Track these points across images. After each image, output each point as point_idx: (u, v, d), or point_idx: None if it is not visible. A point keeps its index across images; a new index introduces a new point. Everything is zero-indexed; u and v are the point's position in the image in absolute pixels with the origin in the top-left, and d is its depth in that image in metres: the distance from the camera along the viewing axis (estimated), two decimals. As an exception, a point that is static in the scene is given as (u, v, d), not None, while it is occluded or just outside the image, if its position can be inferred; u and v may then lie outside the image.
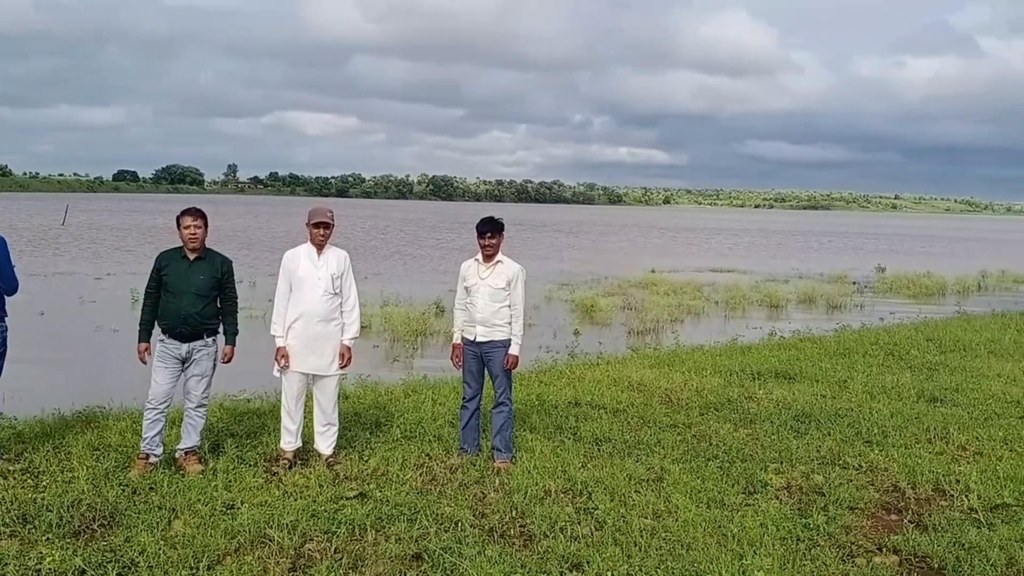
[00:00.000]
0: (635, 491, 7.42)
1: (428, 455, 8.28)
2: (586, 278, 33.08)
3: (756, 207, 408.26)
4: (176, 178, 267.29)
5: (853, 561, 6.19)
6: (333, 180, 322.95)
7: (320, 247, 8.02)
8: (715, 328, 20.81)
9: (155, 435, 7.74)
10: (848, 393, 11.40)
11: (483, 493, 7.31)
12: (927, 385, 11.95)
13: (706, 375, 12.43)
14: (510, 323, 8.12)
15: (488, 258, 8.15)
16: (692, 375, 12.40)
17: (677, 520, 6.78)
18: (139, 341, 7.72)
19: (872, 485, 7.79)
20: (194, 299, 7.69)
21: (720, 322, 22.90)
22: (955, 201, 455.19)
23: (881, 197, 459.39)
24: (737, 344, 15.91)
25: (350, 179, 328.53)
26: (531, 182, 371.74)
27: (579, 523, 6.67)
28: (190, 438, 7.91)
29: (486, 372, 8.27)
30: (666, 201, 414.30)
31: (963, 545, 6.43)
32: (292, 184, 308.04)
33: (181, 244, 7.82)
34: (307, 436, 8.37)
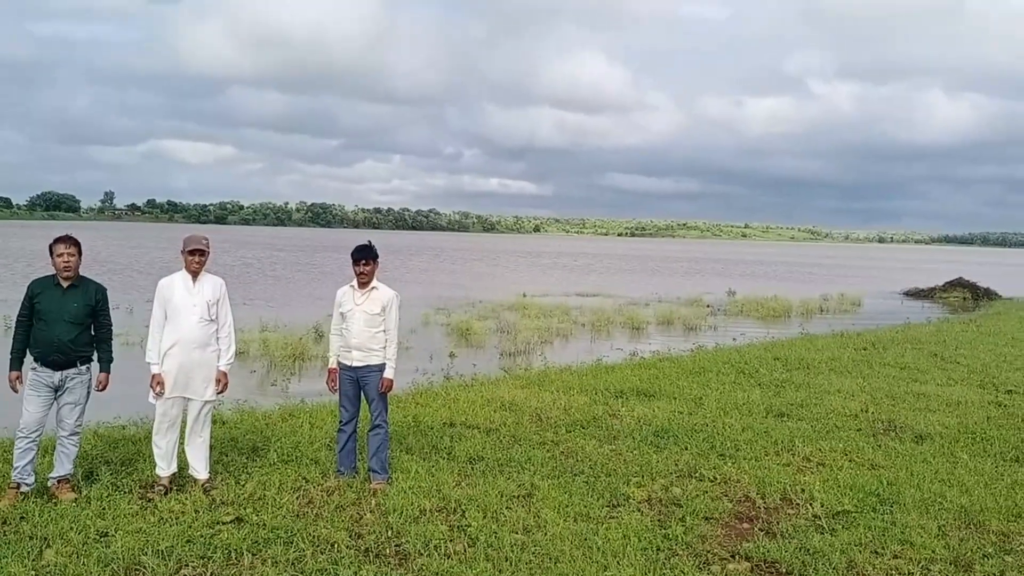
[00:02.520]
0: (506, 507, 7.42)
1: (305, 478, 8.10)
2: (461, 302, 33.11)
3: (619, 235, 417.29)
4: (52, 204, 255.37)
5: (709, 569, 6.33)
6: (211, 207, 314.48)
7: (195, 274, 7.78)
8: (582, 349, 21.10)
9: (26, 464, 7.35)
10: (703, 409, 11.70)
11: (359, 514, 7.19)
12: (775, 401, 12.38)
13: (573, 394, 12.57)
14: (385, 348, 8.04)
15: (363, 284, 8.06)
16: (560, 394, 12.52)
17: (546, 534, 6.81)
18: (10, 369, 7.34)
19: (726, 496, 8.00)
20: (67, 327, 7.36)
21: (586, 343, 23.24)
22: (799, 230, 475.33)
23: (731, 226, 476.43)
24: (602, 364, 16.16)
25: (228, 206, 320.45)
26: (408, 210, 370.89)
27: (453, 540, 6.63)
28: (63, 466, 7.54)
29: (362, 395, 8.16)
30: (536, 229, 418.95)
31: (808, 550, 6.66)
32: (170, 211, 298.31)
33: (55, 272, 7.49)
34: (183, 462, 8.07)
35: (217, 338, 7.81)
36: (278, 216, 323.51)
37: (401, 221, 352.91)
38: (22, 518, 6.84)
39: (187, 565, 6.04)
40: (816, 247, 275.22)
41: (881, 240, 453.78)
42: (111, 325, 7.72)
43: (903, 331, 23.61)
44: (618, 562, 6.28)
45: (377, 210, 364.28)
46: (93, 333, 7.56)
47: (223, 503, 7.36)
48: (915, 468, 8.95)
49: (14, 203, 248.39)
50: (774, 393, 13.11)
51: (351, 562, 6.15)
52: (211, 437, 8.08)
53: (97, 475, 7.96)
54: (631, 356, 18.00)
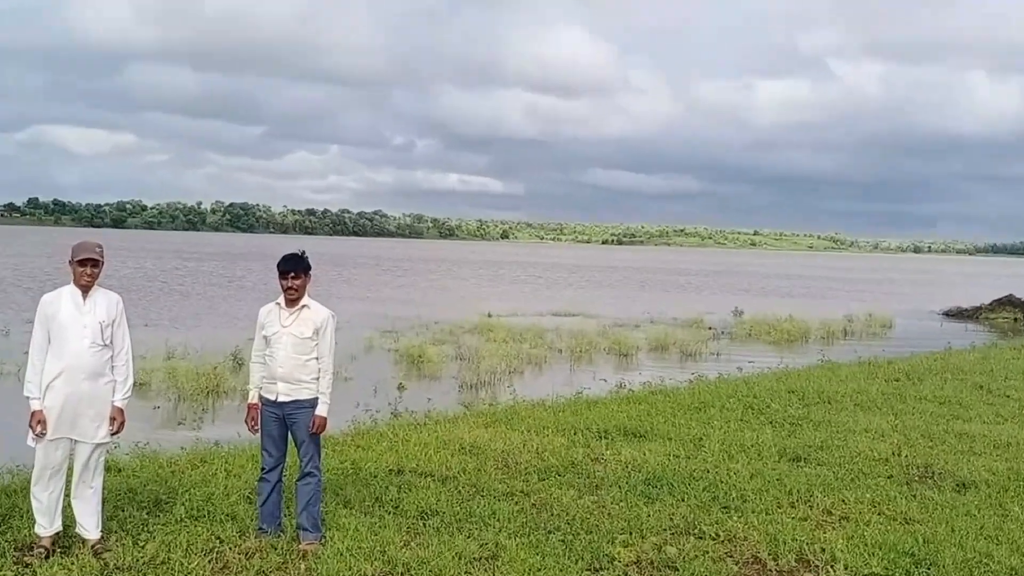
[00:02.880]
0: (465, 572, 7.39)
1: (219, 538, 8.02)
2: (412, 323, 33.07)
3: (603, 243, 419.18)
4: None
5: (710, 644, 6.34)
6: (107, 208, 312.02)
7: (86, 289, 7.69)
8: (558, 380, 21.11)
9: None
10: (704, 452, 11.75)
11: (286, 581, 7.13)
12: (789, 442, 12.45)
13: (547, 434, 12.57)
14: (317, 379, 8.00)
15: (292, 302, 8.01)
16: (532, 435, 12.51)
17: (514, 605, 6.79)
18: None
19: (730, 556, 8.03)
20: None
21: (564, 373, 23.24)
22: (818, 237, 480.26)
23: (738, 233, 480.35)
24: (582, 398, 16.19)
25: (128, 207, 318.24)
26: (349, 212, 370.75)
27: (400, 613, 6.60)
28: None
29: (290, 437, 8.11)
30: (504, 235, 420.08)
31: (828, 621, 6.69)
32: (57, 212, 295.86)
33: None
34: (69, 518, 7.96)
35: (112, 367, 7.71)
36: (189, 218, 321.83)
37: (340, 225, 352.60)
38: None
39: (72, 645, 5.96)
40: (839, 258, 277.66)
41: (916, 250, 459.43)
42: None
43: (942, 358, 23.86)
44: (601, 638, 6.27)
45: (310, 212, 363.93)
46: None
47: (118, 568, 7.27)
48: (957, 523, 9.03)
49: None
50: (788, 433, 13.19)
51: (275, 640, 6.10)
52: (104, 488, 7.98)
53: (-39, 535, 7.83)
54: (617, 388, 18.05)
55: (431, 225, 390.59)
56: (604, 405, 15.25)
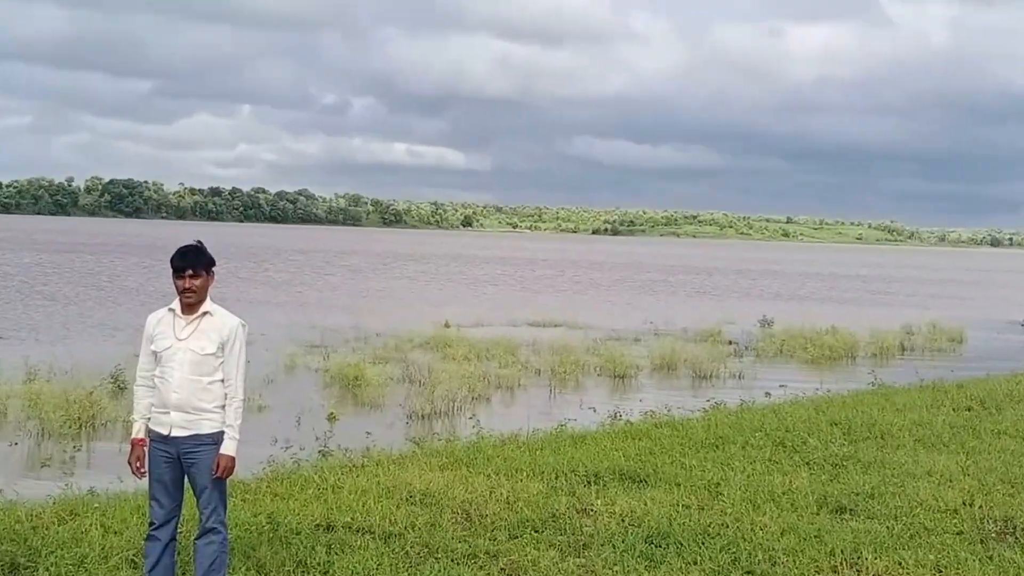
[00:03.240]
0: (415, 658, 7.37)
1: (95, 613, 7.97)
2: (347, 336, 33.07)
3: (594, 232, 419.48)
4: None
5: None
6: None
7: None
8: (535, 409, 21.15)
9: None
10: (722, 502, 11.75)
11: (181, 670, 7.10)
12: (831, 489, 12.48)
13: (522, 479, 12.55)
14: (223, 408, 7.96)
15: (190, 307, 7.96)
16: (501, 479, 12.49)
17: None
18: None
19: (756, 636, 8.04)
20: None
21: (543, 400, 23.26)
22: (869, 226, 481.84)
23: (767, 220, 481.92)
24: (566, 432, 16.16)
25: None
26: (265, 191, 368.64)
27: None
28: None
29: (187, 483, 8.06)
30: (467, 223, 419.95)
31: None
32: None
33: None
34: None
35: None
36: (57, 199, 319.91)
37: (253, 208, 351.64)
38: None
39: None
40: (895, 252, 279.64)
41: (994, 243, 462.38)
42: None
43: (1027, 381, 24.01)
44: None
45: (215, 191, 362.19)
46: None
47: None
48: (1045, 591, 9.08)
49: None
50: (830, 477, 13.22)
51: None
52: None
53: None
54: (611, 419, 18.04)
55: (372, 209, 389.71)
56: (594, 441, 15.23)
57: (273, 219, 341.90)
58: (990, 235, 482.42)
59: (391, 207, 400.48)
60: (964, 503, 11.97)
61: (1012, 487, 12.90)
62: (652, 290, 68.45)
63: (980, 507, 11.83)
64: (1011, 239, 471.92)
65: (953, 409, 19.15)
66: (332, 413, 19.81)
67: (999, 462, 14.34)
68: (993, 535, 10.85)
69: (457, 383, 22.82)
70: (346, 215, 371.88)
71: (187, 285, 7.90)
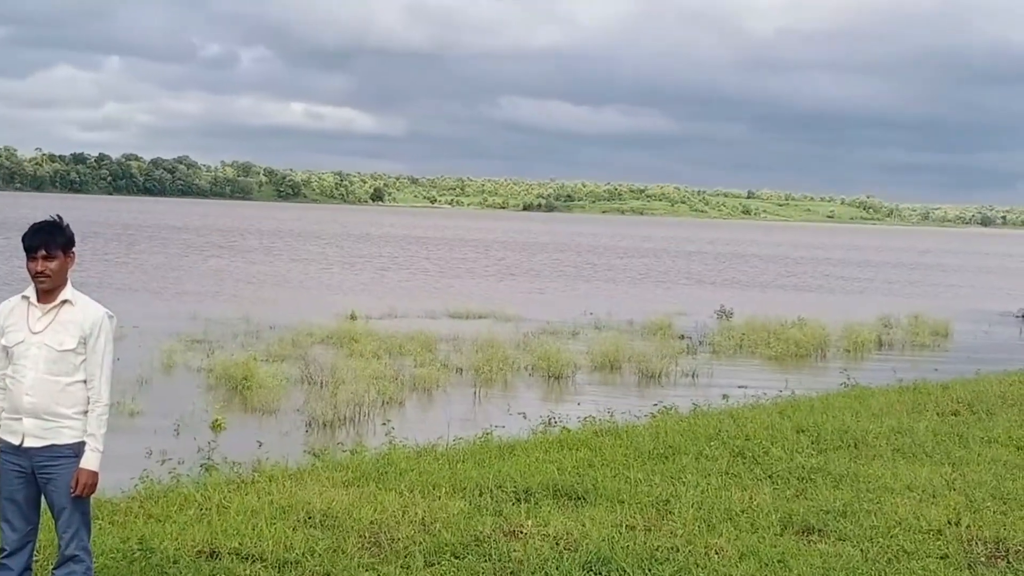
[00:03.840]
0: None
1: (-66, 657, 7.87)
2: (235, 329, 32.96)
3: (526, 208, 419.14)
4: None
5: None
6: None
7: None
8: (457, 414, 21.15)
9: None
10: (672, 522, 11.78)
11: None
12: (797, 506, 12.56)
13: (440, 496, 12.53)
14: (85, 413, 7.88)
15: (46, 295, 7.86)
16: (416, 497, 12.46)
17: None
18: None
19: (711, 678, 8.07)
20: None
21: (465, 404, 23.27)
22: (843, 202, 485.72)
23: (725, 195, 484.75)
24: (492, 441, 16.16)
25: None
26: (137, 159, 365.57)
27: None
28: None
29: (43, 501, 7.97)
30: (376, 196, 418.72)
31: None
32: None
33: None
34: None
35: None
36: None
37: (124, 178, 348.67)
38: None
39: None
40: (872, 232, 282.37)
41: (984, 222, 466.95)
42: None
43: (1022, 382, 24.29)
44: None
45: (78, 158, 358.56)
46: None
47: None
48: (1041, 624, 9.18)
49: None
50: (796, 492, 13.30)
51: None
52: None
53: None
54: (545, 426, 18.07)
55: (265, 180, 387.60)
56: (524, 452, 15.24)
57: (148, 191, 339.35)
58: (980, 213, 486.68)
59: (287, 178, 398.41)
60: (949, 522, 12.08)
61: (1004, 503, 13.03)
62: (592, 276, 68.62)
63: (968, 527, 11.95)
64: (1004, 218, 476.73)
65: (937, 414, 19.34)
66: (217, 420, 19.65)
67: (989, 475, 14.49)
68: (982, 559, 10.96)
69: (365, 384, 22.75)
70: (234, 187, 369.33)
71: (40, 268, 7.77)
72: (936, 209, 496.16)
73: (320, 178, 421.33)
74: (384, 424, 18.40)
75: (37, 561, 8.20)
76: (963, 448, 16.30)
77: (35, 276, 7.84)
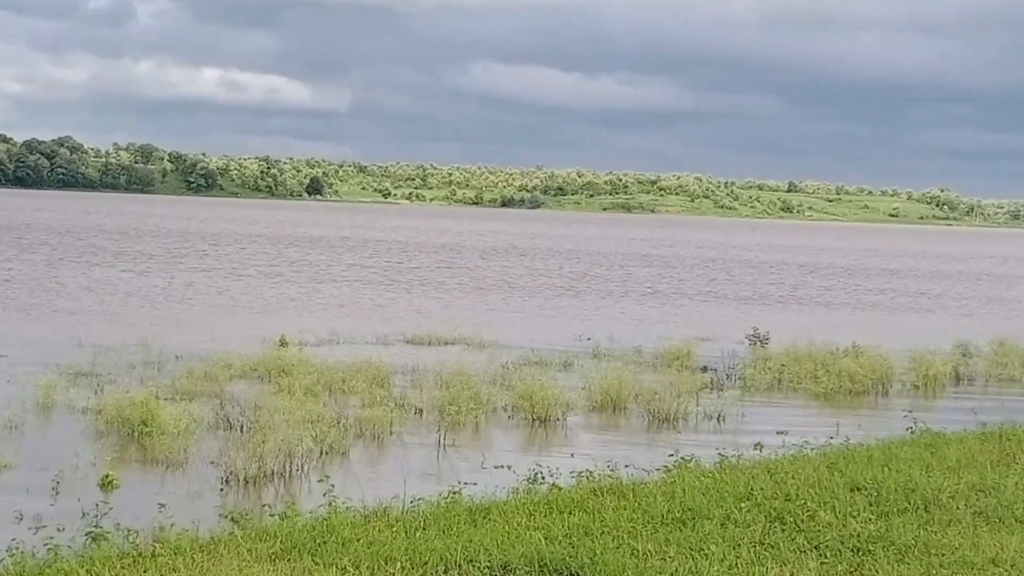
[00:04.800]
0: None
1: None
2: (131, 358, 32.84)
3: (503, 204, 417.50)
4: None
5: None
6: None
7: None
8: (416, 468, 21.18)
9: None
10: (693, 607, 11.78)
11: None
12: (852, 585, 12.55)
13: (395, 573, 12.51)
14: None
15: None
16: (364, 574, 12.44)
17: None
18: None
19: None
20: None
21: (427, 454, 23.22)
22: (909, 197, 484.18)
23: (760, 187, 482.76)
24: (461, 502, 16.13)
25: None
26: (7, 140, 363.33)
27: None
28: None
29: None
30: (314, 189, 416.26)
31: None
32: None
33: None
34: None
35: None
36: None
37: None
38: None
39: None
40: (946, 234, 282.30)
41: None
42: None
43: None
44: None
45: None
46: None
47: None
48: None
49: None
50: (850, 568, 13.26)
51: None
52: None
53: None
54: (529, 483, 18.01)
55: (171, 167, 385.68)
56: (503, 516, 15.22)
57: (20, 181, 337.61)
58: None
59: (199, 165, 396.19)
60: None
61: (1115, 582, 13.02)
62: (589, 291, 68.37)
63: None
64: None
65: (1032, 466, 19.32)
66: (108, 476, 19.56)
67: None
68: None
69: (298, 430, 22.63)
70: (131, 177, 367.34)
71: None
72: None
73: (241, 165, 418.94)
74: (322, 480, 18.39)
75: None
76: (1066, 512, 16.29)
77: None
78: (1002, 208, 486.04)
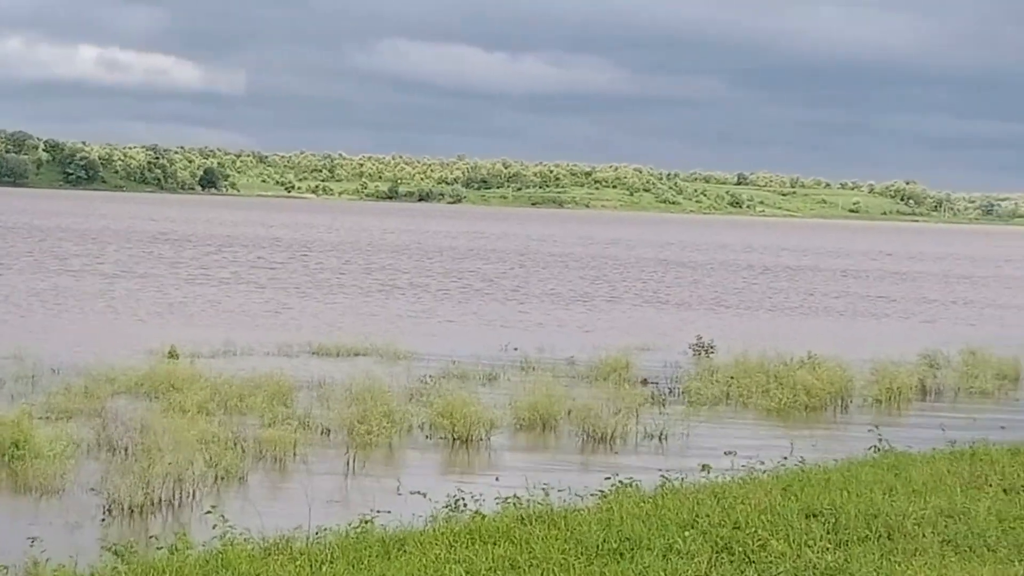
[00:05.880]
0: None
1: None
2: (2, 372, 32.70)
3: (423, 199, 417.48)
4: None
5: None
6: None
7: None
8: (322, 494, 21.10)
9: None
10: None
11: None
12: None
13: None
14: None
15: None
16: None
17: None
18: None
19: None
20: None
21: (335, 478, 23.22)
22: (872, 190, 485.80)
23: (706, 179, 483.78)
24: (373, 533, 16.10)
25: None
26: None
27: None
28: None
29: None
30: (207, 182, 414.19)
31: None
32: None
33: None
34: None
35: None
36: None
37: None
38: None
39: None
40: (911, 232, 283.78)
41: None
42: None
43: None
44: None
45: None
46: None
47: None
48: None
49: None
50: (806, 604, 13.32)
51: None
52: None
53: None
54: (449, 510, 18.02)
55: (46, 157, 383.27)
56: (420, 547, 15.22)
57: None
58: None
59: (79, 154, 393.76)
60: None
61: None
62: (515, 294, 68.46)
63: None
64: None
65: (1004, 490, 19.47)
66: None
67: (1078, 577, 14.54)
68: None
69: (189, 452, 22.57)
70: (1, 167, 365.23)
71: None
72: (1003, 200, 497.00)
73: (126, 155, 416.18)
74: (214, 509, 18.34)
75: None
76: (1041, 539, 16.37)
77: None
78: (973, 203, 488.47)
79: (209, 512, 18.18)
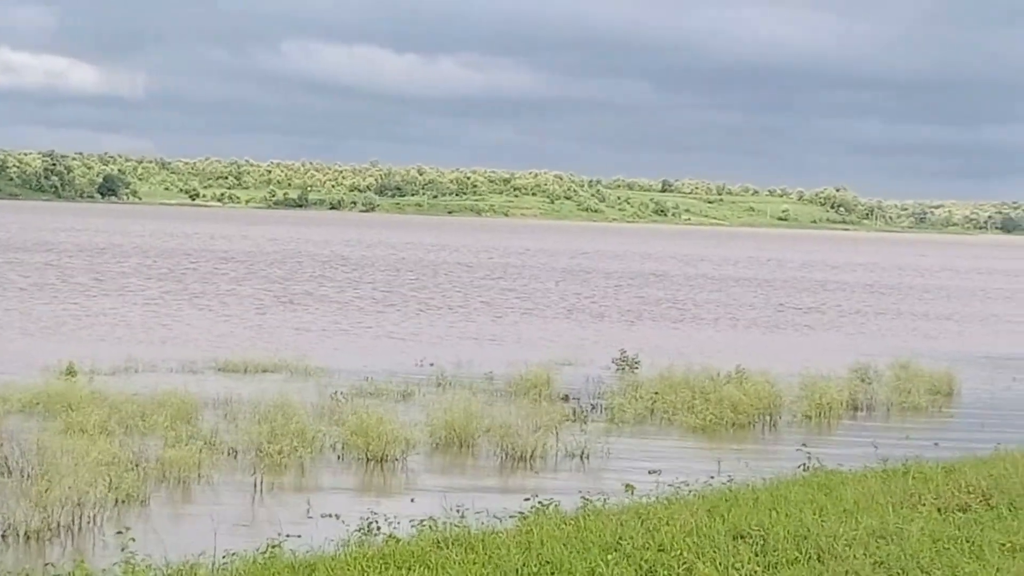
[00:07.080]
0: None
1: None
2: None
3: (334, 207, 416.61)
4: None
5: None
6: None
7: None
8: (229, 517, 21.10)
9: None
10: None
11: None
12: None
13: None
14: None
15: None
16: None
17: None
18: None
19: None
20: None
21: (242, 501, 23.15)
22: (801, 198, 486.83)
23: (629, 187, 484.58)
24: (282, 558, 16.07)
25: None
26: None
27: None
28: None
29: None
30: (107, 189, 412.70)
31: None
32: None
33: None
34: None
35: None
36: None
37: None
38: None
39: None
40: (844, 241, 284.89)
41: (1006, 226, 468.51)
42: None
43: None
44: None
45: None
46: None
47: None
48: None
49: None
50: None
51: None
52: None
53: None
54: (363, 534, 18.00)
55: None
56: (332, 572, 15.25)
57: None
58: (1000, 213, 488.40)
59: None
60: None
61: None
62: (432, 306, 68.42)
63: None
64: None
65: (938, 509, 19.56)
66: None
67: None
68: None
69: (90, 475, 22.47)
70: None
71: None
72: (936, 207, 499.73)
73: (21, 161, 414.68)
74: (119, 534, 18.30)
75: None
76: (975, 560, 16.52)
77: None
78: (906, 210, 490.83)
79: (117, 534, 18.17)
